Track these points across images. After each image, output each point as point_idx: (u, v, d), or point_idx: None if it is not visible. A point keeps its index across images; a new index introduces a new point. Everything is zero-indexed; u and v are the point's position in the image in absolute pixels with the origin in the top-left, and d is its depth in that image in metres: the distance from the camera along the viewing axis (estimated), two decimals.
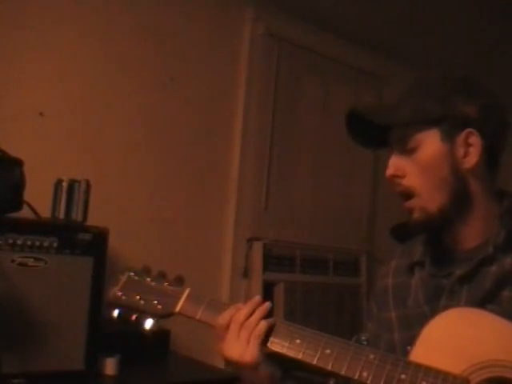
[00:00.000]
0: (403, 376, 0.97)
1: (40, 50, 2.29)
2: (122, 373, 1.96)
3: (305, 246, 3.11)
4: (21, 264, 1.72)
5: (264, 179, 2.97)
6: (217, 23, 2.83)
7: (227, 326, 1.11)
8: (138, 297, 1.20)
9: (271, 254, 2.98)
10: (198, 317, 1.15)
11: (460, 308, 1.04)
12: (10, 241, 1.71)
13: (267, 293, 2.93)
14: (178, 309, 1.17)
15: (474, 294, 1.06)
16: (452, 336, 1.00)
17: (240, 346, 1.09)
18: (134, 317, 1.20)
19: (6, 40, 2.21)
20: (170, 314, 1.18)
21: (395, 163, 1.13)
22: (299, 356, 1.06)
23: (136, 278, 1.24)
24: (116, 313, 1.21)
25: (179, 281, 1.22)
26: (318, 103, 3.22)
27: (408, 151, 1.11)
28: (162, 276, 1.24)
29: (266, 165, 2.98)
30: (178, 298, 1.18)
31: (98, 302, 1.83)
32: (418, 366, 0.98)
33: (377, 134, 1.15)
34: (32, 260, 1.74)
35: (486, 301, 1.04)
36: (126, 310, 1.21)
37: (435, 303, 1.09)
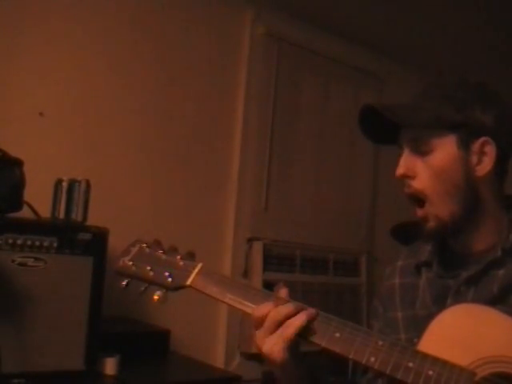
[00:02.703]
0: (410, 364, 0.97)
1: (40, 50, 2.30)
2: (121, 373, 1.95)
3: (305, 246, 3.11)
4: (21, 264, 1.72)
5: (264, 179, 2.97)
6: (217, 23, 2.83)
7: (263, 319, 1.06)
8: (148, 268, 1.19)
9: (271, 254, 2.98)
10: (208, 291, 1.14)
11: (468, 304, 1.05)
12: (10, 241, 1.71)
13: None
14: (189, 282, 1.16)
15: (480, 297, 1.06)
16: (459, 330, 1.00)
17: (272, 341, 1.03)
18: (142, 288, 1.19)
19: (6, 40, 2.22)
20: (181, 287, 1.17)
21: (407, 162, 1.12)
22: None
23: (147, 249, 1.23)
24: (125, 282, 1.20)
25: (191, 256, 1.22)
26: (317, 103, 3.22)
27: (421, 152, 1.11)
28: (173, 250, 1.24)
29: (265, 165, 2.98)
30: (190, 272, 1.17)
31: (97, 301, 1.83)
32: (425, 356, 0.98)
33: (385, 131, 1.15)
34: (32, 260, 1.74)
35: (492, 304, 1.04)
36: (135, 280, 1.20)
37: (442, 304, 1.09)
